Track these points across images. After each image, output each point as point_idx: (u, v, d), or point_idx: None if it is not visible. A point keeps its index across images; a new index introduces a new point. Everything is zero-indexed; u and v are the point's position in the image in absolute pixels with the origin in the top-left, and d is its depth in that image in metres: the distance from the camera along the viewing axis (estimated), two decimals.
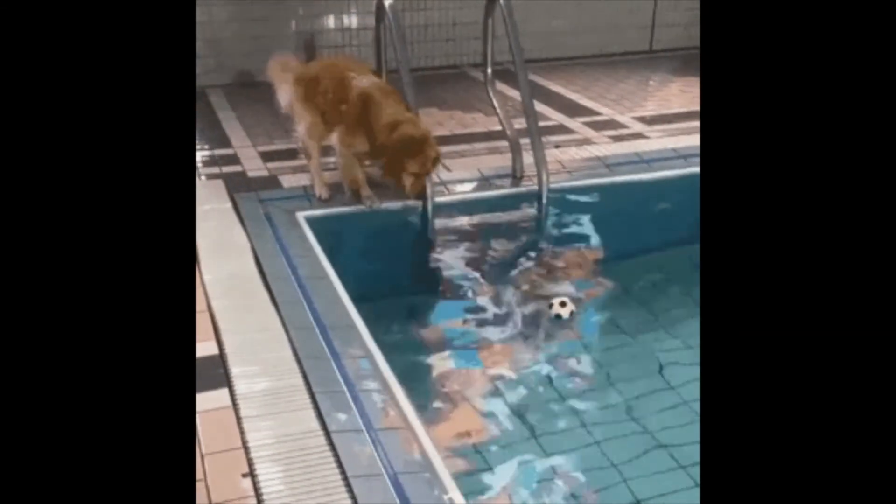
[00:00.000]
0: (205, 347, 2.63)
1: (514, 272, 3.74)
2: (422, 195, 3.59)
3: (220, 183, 4.00)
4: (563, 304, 3.25)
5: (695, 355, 3.05)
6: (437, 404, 2.82)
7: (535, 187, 3.96)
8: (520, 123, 4.15)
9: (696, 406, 2.71)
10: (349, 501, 2.02)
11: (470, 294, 3.54)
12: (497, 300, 3.51)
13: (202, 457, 2.15)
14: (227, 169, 4.21)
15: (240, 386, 2.44)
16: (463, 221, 3.93)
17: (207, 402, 2.36)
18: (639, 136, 4.83)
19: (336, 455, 2.16)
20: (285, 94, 3.92)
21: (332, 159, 4.12)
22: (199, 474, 2.09)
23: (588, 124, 5.05)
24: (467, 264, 3.74)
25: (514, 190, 4.08)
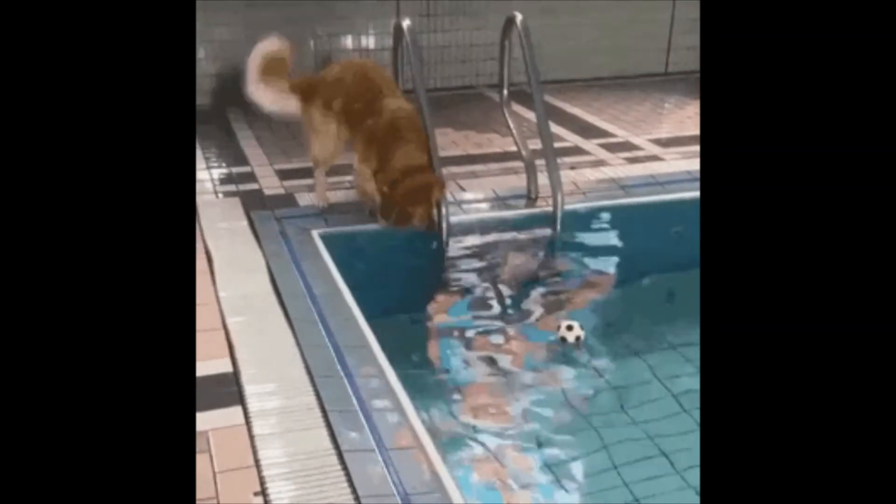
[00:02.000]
0: (219, 364, 2.65)
1: (527, 293, 3.74)
2: (431, 228, 3.66)
3: (236, 201, 4.03)
4: (569, 328, 3.22)
5: None
6: (448, 424, 2.82)
7: (550, 208, 3.96)
8: (535, 144, 4.17)
9: None
10: None
11: (482, 315, 3.53)
12: (509, 321, 3.51)
13: (214, 474, 2.16)
14: (243, 187, 4.25)
15: (253, 404, 2.45)
16: (477, 241, 3.93)
17: (221, 419, 2.37)
18: (654, 158, 4.83)
19: (348, 475, 2.16)
20: (278, 101, 3.84)
21: (348, 178, 4.15)
22: (211, 492, 2.09)
23: (603, 146, 5.06)
24: (481, 284, 3.75)
25: (528, 210, 4.09)
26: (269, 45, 3.80)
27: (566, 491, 2.54)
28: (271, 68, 3.77)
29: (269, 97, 3.82)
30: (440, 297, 3.67)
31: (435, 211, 3.66)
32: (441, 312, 3.58)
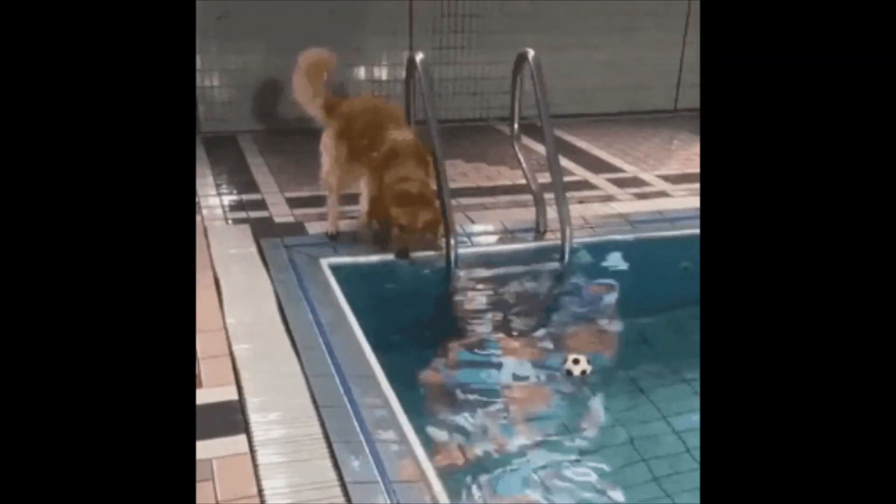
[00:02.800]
0: (224, 392, 2.64)
1: (534, 326, 3.73)
2: (405, 255, 3.66)
3: (246, 228, 4.05)
4: (575, 362, 3.20)
5: None
6: (454, 457, 2.80)
7: (558, 242, 3.97)
8: (544, 178, 4.19)
9: None
10: None
11: (489, 347, 3.52)
12: (516, 354, 3.49)
13: (218, 503, 2.15)
14: (254, 214, 4.27)
15: (258, 432, 2.44)
16: (485, 274, 3.94)
17: (225, 447, 2.37)
18: (662, 194, 4.85)
19: None
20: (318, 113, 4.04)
21: (355, 207, 4.17)
22: None
23: (612, 181, 5.08)
24: (488, 316, 3.74)
25: (537, 244, 4.10)
26: (315, 53, 4.04)
27: None
28: (313, 70, 4.00)
29: (305, 97, 4.03)
30: (447, 329, 3.67)
31: (440, 242, 3.70)
32: (448, 344, 3.57)
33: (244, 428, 2.46)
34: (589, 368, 3.20)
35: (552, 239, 4.06)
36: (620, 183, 5.04)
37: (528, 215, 4.27)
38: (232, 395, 2.64)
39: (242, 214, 4.26)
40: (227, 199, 4.49)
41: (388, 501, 2.20)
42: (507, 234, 4.16)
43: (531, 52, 4.05)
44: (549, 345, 3.52)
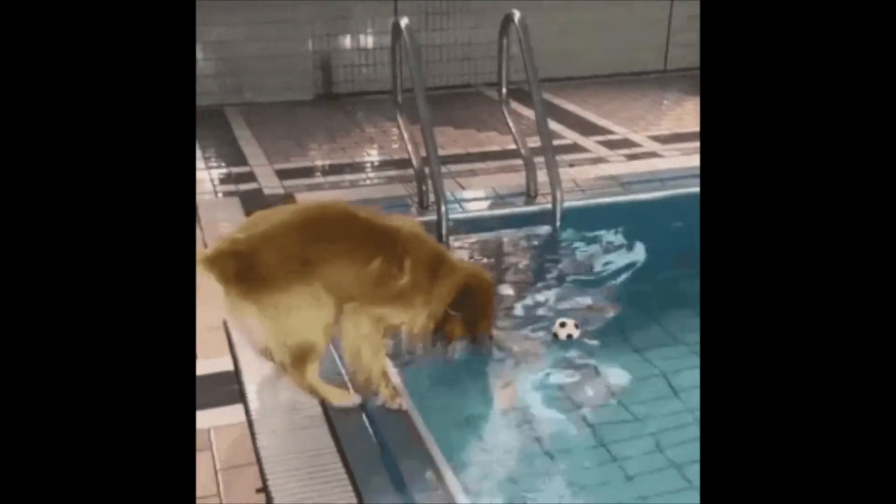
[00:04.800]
0: (220, 363, 2.65)
1: (526, 289, 3.74)
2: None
3: (236, 200, 4.04)
4: (562, 325, 3.20)
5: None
6: (451, 421, 2.82)
7: (549, 205, 3.97)
8: (534, 142, 4.18)
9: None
10: None
11: None
12: (506, 317, 3.50)
13: (216, 472, 2.17)
14: (243, 186, 4.26)
15: (254, 401, 2.46)
16: (477, 239, 3.94)
17: (222, 417, 2.38)
18: (653, 154, 4.84)
19: (349, 471, 2.17)
20: None
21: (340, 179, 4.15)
22: (213, 489, 2.10)
23: (602, 143, 5.07)
24: None
25: (528, 208, 4.10)
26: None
27: (563, 486, 2.54)
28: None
29: None
30: None
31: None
32: None
33: (241, 397, 2.48)
34: (576, 333, 3.20)
35: (543, 202, 4.06)
36: (611, 145, 5.03)
37: (518, 180, 4.27)
38: (228, 365, 2.65)
39: (232, 187, 4.25)
40: (215, 173, 4.47)
41: (387, 468, 2.22)
42: (498, 199, 4.16)
43: (517, 14, 4.01)
44: (540, 308, 3.53)
